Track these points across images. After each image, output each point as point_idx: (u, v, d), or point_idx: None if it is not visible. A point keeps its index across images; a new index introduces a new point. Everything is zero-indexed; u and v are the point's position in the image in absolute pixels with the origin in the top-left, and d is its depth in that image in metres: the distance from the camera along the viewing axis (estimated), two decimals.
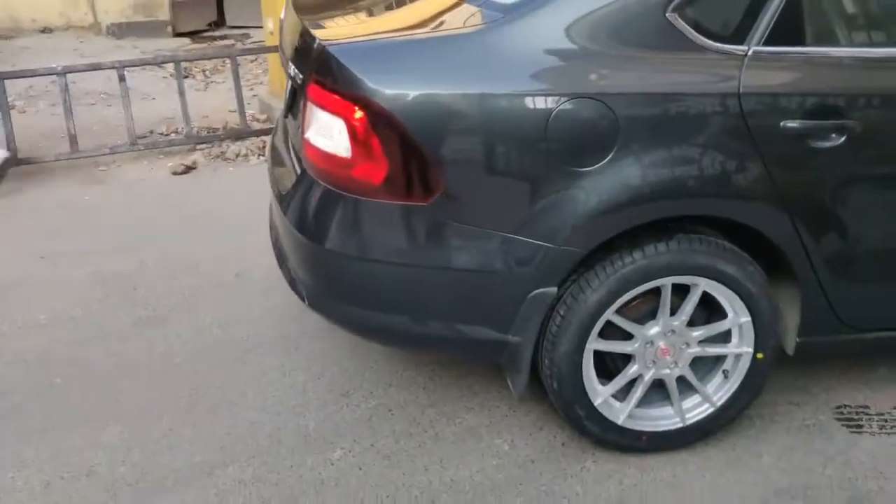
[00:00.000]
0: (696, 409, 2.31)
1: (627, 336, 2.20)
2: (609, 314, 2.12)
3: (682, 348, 2.22)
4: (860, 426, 2.43)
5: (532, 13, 1.96)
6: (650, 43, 1.96)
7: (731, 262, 2.11)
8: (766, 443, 2.37)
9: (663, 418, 2.32)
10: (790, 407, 2.52)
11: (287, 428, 2.46)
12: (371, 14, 2.43)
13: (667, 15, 1.94)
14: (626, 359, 2.24)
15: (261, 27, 6.03)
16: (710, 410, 2.30)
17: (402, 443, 2.39)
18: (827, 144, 2.01)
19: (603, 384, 2.24)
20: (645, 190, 1.97)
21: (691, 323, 2.21)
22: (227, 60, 5.49)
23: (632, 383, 2.26)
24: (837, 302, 2.22)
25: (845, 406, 2.52)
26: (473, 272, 2.03)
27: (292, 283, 2.35)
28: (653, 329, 2.19)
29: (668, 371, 2.24)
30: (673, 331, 2.20)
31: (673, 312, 2.19)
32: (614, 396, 2.27)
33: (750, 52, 1.97)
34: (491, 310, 2.10)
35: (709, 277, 2.11)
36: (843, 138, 2.01)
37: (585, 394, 2.20)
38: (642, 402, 2.29)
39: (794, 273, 2.17)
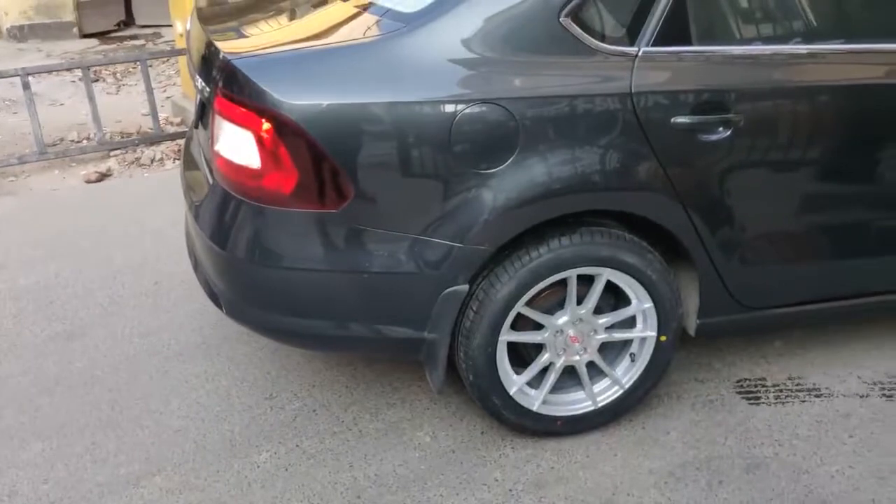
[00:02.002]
0: (606, 391, 2.44)
1: (538, 326, 2.31)
2: (519, 307, 2.22)
3: (590, 335, 2.34)
4: (758, 398, 2.60)
5: (433, 22, 2.02)
6: (545, 48, 2.05)
7: (632, 251, 2.23)
8: (672, 419, 2.51)
9: (576, 402, 2.43)
10: (695, 384, 2.67)
11: (212, 434, 2.49)
12: (275, 25, 2.45)
13: (560, 20, 2.02)
14: (539, 348, 2.35)
15: (171, 26, 5.95)
16: (620, 392, 2.43)
17: (327, 442, 2.45)
18: (714, 138, 2.14)
19: (517, 373, 2.34)
20: (547, 188, 2.06)
21: (598, 311, 2.33)
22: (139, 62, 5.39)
23: (545, 371, 2.37)
24: (732, 284, 2.37)
25: (745, 380, 2.69)
26: (388, 274, 2.10)
27: (210, 292, 2.38)
28: (561, 319, 2.30)
29: (578, 357, 2.36)
30: (581, 319, 2.31)
31: (580, 302, 2.30)
32: (529, 384, 2.37)
33: (640, 53, 2.07)
34: (406, 310, 2.18)
35: (611, 267, 2.23)
36: (728, 131, 2.14)
37: (501, 384, 2.30)
38: (556, 388, 2.40)
39: (691, 259, 2.31)
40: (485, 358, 2.24)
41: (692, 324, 2.45)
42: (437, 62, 2.00)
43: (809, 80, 2.23)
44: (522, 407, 2.36)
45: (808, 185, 2.32)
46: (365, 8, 2.23)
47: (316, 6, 2.46)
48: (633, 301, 2.32)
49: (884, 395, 2.59)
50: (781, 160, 2.26)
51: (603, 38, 2.07)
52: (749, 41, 2.25)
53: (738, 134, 2.15)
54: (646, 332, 2.37)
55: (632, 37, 2.08)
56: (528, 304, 2.25)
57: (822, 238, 2.42)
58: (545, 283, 2.21)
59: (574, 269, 2.21)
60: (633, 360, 2.43)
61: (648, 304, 2.31)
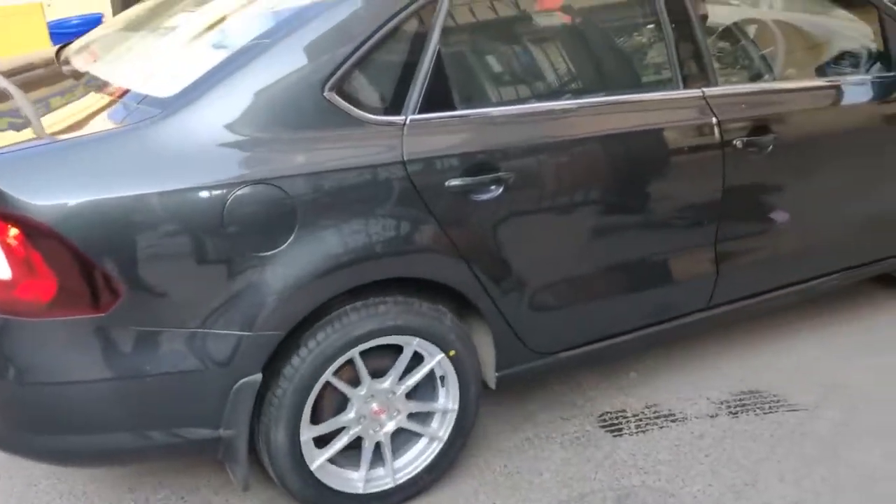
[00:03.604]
0: (443, 423, 2.40)
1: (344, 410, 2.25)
2: (307, 433, 2.16)
3: (390, 397, 2.30)
4: (621, 429, 2.73)
5: (190, 105, 1.96)
6: (313, 123, 2.04)
7: (369, 320, 2.16)
8: (544, 460, 2.59)
9: (423, 453, 2.40)
10: (561, 422, 2.77)
11: None
12: (11, 117, 2.22)
13: (325, 94, 2.04)
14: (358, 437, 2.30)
15: None
16: (454, 415, 2.39)
17: None
18: (488, 196, 2.21)
19: (354, 470, 2.30)
20: (333, 263, 2.04)
21: (381, 373, 2.27)
22: None
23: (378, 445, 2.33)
24: (524, 334, 2.44)
25: (607, 413, 2.81)
26: (171, 374, 1.97)
27: None
28: (351, 413, 2.25)
29: (395, 421, 2.32)
30: (372, 395, 2.27)
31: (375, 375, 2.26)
32: (371, 469, 2.32)
33: (408, 121, 2.13)
34: (196, 409, 2.05)
35: (361, 343, 2.17)
36: (500, 189, 2.22)
37: (341, 493, 2.27)
38: (398, 452, 2.37)
39: (482, 315, 2.35)
40: (308, 486, 2.21)
41: (492, 377, 2.48)
42: (200, 146, 1.94)
43: (568, 134, 2.37)
44: (381, 492, 2.33)
45: (580, 231, 2.45)
46: (120, 96, 2.14)
47: (60, 95, 2.34)
48: (405, 346, 2.27)
49: (730, 412, 2.79)
50: (553, 210, 2.38)
51: (370, 109, 2.10)
52: (510, 101, 2.39)
53: (510, 190, 2.24)
54: (435, 356, 2.30)
55: (398, 106, 2.13)
56: (314, 424, 2.20)
57: (600, 279, 2.55)
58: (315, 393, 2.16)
59: (329, 371, 2.15)
60: (445, 384, 2.37)
61: (416, 340, 2.26)
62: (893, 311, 3.43)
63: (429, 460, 2.40)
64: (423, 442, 2.41)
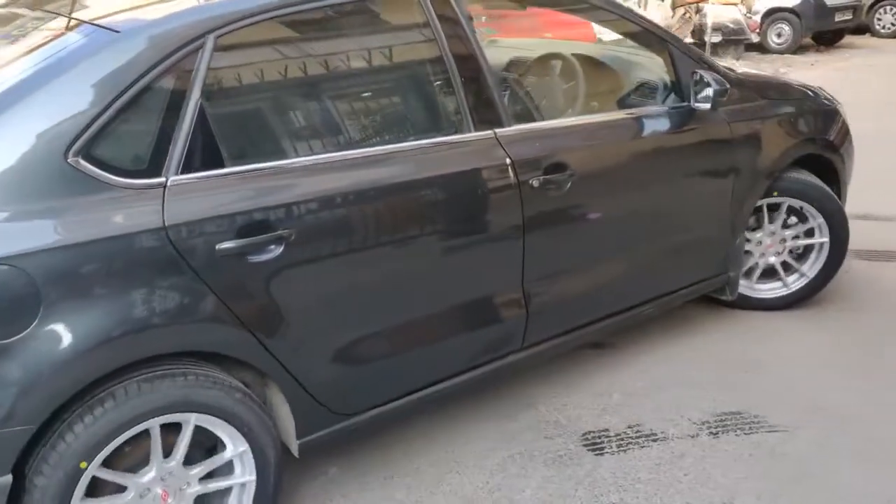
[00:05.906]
0: (241, 498, 2.26)
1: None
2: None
3: (174, 479, 2.11)
4: (602, 448, 2.78)
5: None
6: (57, 192, 1.87)
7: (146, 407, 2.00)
8: (527, 478, 2.64)
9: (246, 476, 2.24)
10: (545, 441, 2.82)
11: None
12: None
13: (68, 161, 1.88)
14: None
15: None
16: (253, 486, 2.23)
17: None
18: (267, 257, 2.09)
19: None
20: (86, 346, 1.87)
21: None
22: None
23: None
24: (323, 397, 2.32)
25: (589, 432, 2.87)
26: None
27: None
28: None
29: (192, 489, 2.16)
30: (147, 493, 2.08)
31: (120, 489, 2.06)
32: None
33: (169, 184, 1.98)
34: None
35: (128, 430, 1.99)
36: (281, 247, 2.10)
37: None
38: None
39: (276, 384, 2.24)
40: None
41: (294, 446, 2.35)
42: None
43: (354, 185, 2.26)
44: None
45: (374, 284, 2.34)
46: None
47: None
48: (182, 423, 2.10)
49: (710, 433, 2.84)
50: (342, 265, 2.26)
51: (123, 173, 1.96)
52: (284, 155, 2.27)
53: (292, 247, 2.12)
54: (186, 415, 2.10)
55: (157, 167, 1.99)
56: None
57: (402, 331, 2.46)
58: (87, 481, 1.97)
59: (95, 463, 1.96)
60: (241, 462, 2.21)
61: (194, 416, 2.09)
62: (861, 333, 3.49)
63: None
64: (238, 475, 2.24)
